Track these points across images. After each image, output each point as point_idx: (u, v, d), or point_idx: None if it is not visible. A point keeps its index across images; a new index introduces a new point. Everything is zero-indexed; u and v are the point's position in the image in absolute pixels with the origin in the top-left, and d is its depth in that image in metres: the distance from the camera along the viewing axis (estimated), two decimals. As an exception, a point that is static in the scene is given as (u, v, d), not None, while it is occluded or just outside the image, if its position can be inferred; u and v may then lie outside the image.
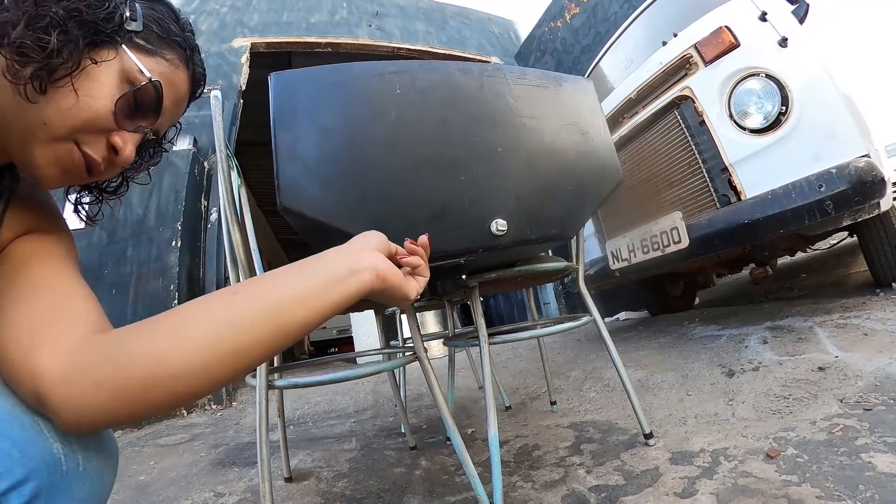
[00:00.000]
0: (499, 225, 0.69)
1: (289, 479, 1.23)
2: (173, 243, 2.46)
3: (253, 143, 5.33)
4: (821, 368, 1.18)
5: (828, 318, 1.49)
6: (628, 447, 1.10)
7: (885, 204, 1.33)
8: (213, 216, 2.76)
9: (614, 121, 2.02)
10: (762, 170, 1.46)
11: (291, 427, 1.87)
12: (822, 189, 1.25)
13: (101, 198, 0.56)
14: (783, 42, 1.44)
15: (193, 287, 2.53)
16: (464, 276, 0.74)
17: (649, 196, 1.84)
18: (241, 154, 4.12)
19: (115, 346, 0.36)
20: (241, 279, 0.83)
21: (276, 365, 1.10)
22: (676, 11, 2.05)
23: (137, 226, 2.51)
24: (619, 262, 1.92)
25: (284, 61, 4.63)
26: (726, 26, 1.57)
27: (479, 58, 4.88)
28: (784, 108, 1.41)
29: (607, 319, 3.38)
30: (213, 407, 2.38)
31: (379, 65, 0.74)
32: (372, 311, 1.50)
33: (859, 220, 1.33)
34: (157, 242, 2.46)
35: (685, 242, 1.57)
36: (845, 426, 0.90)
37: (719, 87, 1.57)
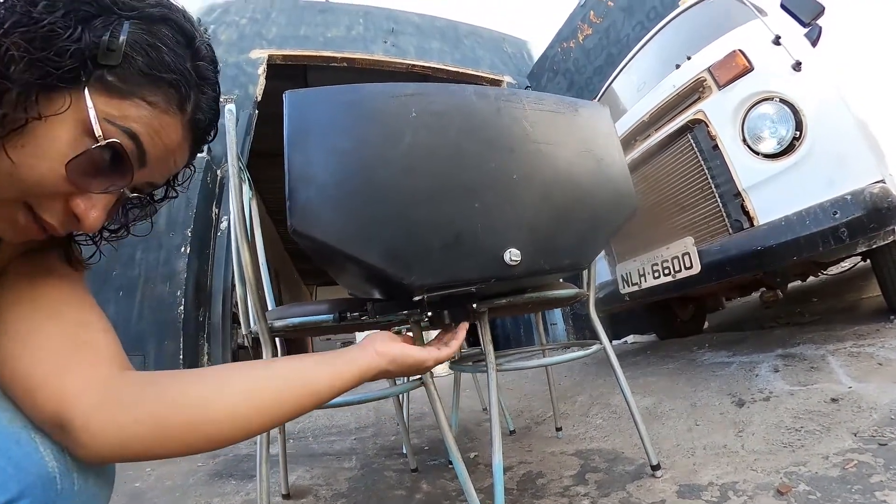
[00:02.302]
0: (512, 255, 0.69)
1: (286, 496, 1.22)
2: (182, 249, 2.49)
3: (265, 153, 5.45)
4: (834, 400, 1.14)
5: (840, 345, 1.45)
6: (635, 478, 1.07)
7: (902, 233, 1.31)
8: (224, 224, 2.79)
9: (627, 143, 2.02)
10: (776, 195, 1.44)
11: (291, 441, 1.85)
12: (837, 216, 1.23)
13: (97, 241, 0.48)
14: (797, 66, 1.43)
15: (200, 294, 2.55)
16: (474, 305, 0.73)
17: (661, 220, 1.82)
18: (253, 165, 4.20)
19: (156, 387, 0.38)
20: (248, 296, 0.83)
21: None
22: (689, 35, 2.07)
23: (146, 230, 2.50)
24: (629, 286, 1.89)
25: (300, 74, 4.73)
26: (740, 50, 1.57)
27: (491, 76, 4.95)
28: (798, 132, 1.40)
29: (615, 342, 3.34)
30: None
31: (395, 87, 0.75)
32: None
33: (874, 246, 1.30)
34: (167, 247, 2.49)
35: (697, 268, 1.55)
36: (859, 462, 0.87)
37: (733, 112, 1.56)
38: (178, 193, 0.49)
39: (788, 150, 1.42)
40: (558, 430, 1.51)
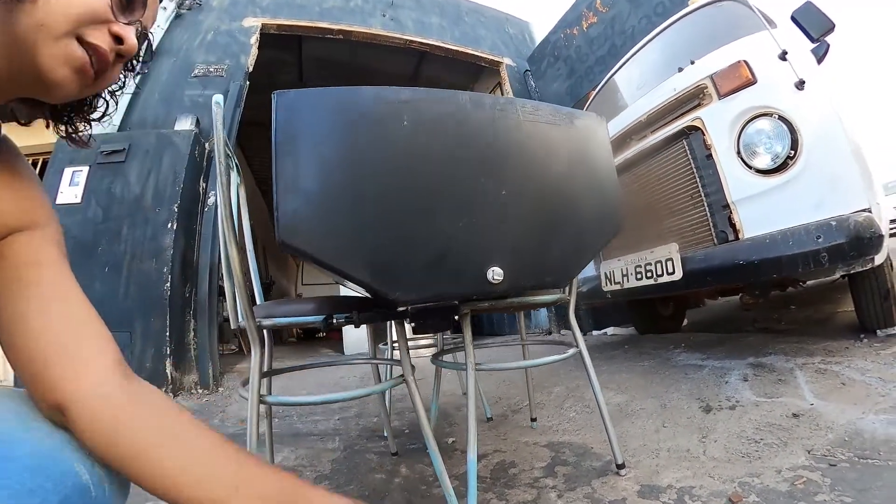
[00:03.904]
0: (495, 274, 0.70)
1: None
2: (169, 225, 2.44)
3: (255, 122, 5.32)
4: (795, 415, 1.21)
5: (809, 360, 1.52)
6: (600, 475, 1.14)
7: (880, 258, 1.35)
8: (211, 200, 2.73)
9: (622, 142, 2.02)
10: (763, 211, 1.47)
11: (276, 420, 1.90)
12: (820, 240, 1.27)
13: (89, 124, 0.53)
14: (800, 84, 1.43)
15: (187, 269, 2.53)
16: (455, 317, 0.75)
17: (649, 222, 1.84)
18: (244, 134, 4.10)
19: (158, 418, 0.42)
20: (235, 292, 0.84)
21: (266, 369, 1.11)
22: (696, 37, 2.03)
23: (134, 205, 2.49)
24: (611, 284, 1.94)
25: (295, 44, 4.56)
26: (745, 61, 1.55)
27: (491, 57, 4.81)
28: (793, 151, 1.41)
29: (595, 333, 3.42)
30: (200, 391, 2.42)
31: (388, 92, 0.74)
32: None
33: (852, 272, 1.35)
34: (153, 223, 2.45)
35: (679, 274, 1.59)
36: (808, 479, 0.93)
37: (731, 123, 1.56)
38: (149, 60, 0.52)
39: (781, 167, 1.43)
40: (533, 420, 1.58)
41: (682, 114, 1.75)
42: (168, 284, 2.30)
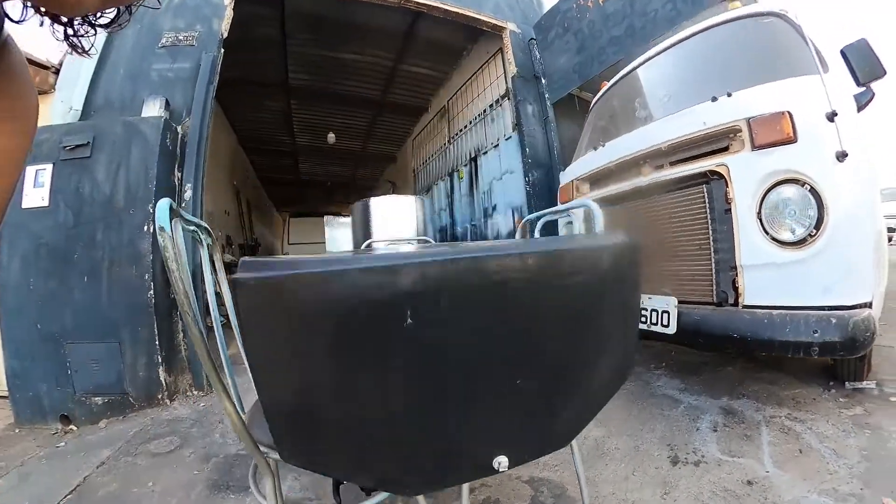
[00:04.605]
0: (501, 464, 0.71)
1: (279, 507, 1.41)
2: (145, 228, 2.28)
3: (234, 81, 4.91)
4: (749, 482, 1.34)
5: (778, 412, 1.64)
6: (572, 521, 1.29)
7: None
8: (188, 194, 2.51)
9: (635, 164, 1.89)
10: (770, 282, 1.45)
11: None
12: (816, 335, 1.28)
13: (95, 31, 0.47)
14: (842, 156, 1.31)
15: (169, 283, 2.39)
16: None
17: (650, 260, 1.81)
18: (224, 92, 3.70)
19: None
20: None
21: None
22: (732, 53, 1.78)
23: (106, 206, 2.29)
24: None
25: (277, 3, 3.99)
26: (789, 113, 1.39)
27: (494, 21, 4.20)
28: (815, 230, 1.35)
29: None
30: (195, 393, 2.47)
31: (381, 271, 0.61)
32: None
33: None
34: (129, 226, 2.28)
35: (672, 329, 1.61)
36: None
37: (759, 181, 1.46)
38: None
39: (800, 243, 1.38)
40: (518, 447, 1.73)
41: (708, 154, 1.61)
42: (151, 292, 2.23)
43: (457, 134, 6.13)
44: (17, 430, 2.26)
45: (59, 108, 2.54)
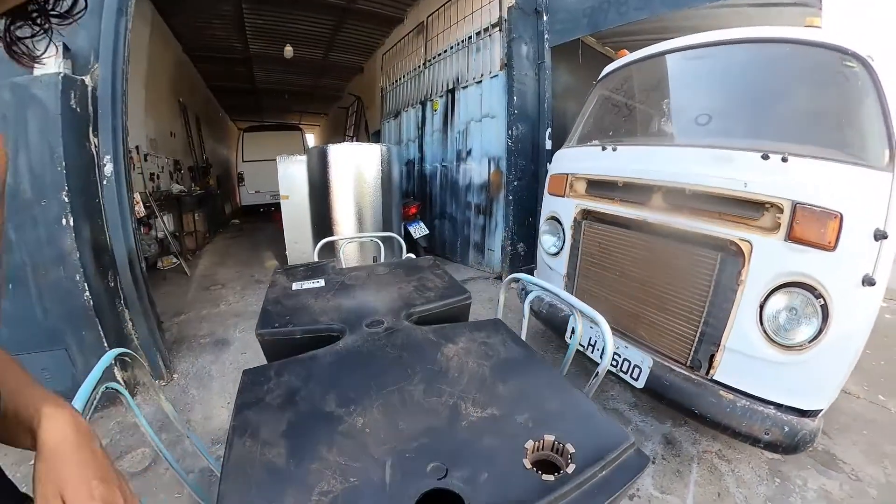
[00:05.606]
0: None
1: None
2: (63, 221, 1.78)
3: None
4: (666, 526, 1.58)
5: (711, 446, 1.84)
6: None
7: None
8: (109, 167, 1.92)
9: (648, 188, 1.67)
10: (745, 369, 1.46)
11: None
12: (767, 435, 1.35)
13: (47, 25, 0.39)
14: (869, 282, 1.20)
15: (102, 258, 1.97)
16: None
17: (638, 301, 1.75)
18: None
19: None
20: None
21: None
22: (803, 82, 1.44)
23: (12, 199, 1.72)
24: (573, 337, 1.97)
25: None
26: (841, 216, 1.20)
27: None
28: (809, 343, 1.31)
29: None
30: (156, 383, 2.26)
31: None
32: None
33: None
34: (44, 222, 1.77)
35: (641, 384, 1.66)
36: None
37: (776, 274, 1.34)
38: None
39: (788, 349, 1.35)
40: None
41: (735, 219, 1.43)
42: (87, 294, 1.85)
43: (435, 57, 5.15)
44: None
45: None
